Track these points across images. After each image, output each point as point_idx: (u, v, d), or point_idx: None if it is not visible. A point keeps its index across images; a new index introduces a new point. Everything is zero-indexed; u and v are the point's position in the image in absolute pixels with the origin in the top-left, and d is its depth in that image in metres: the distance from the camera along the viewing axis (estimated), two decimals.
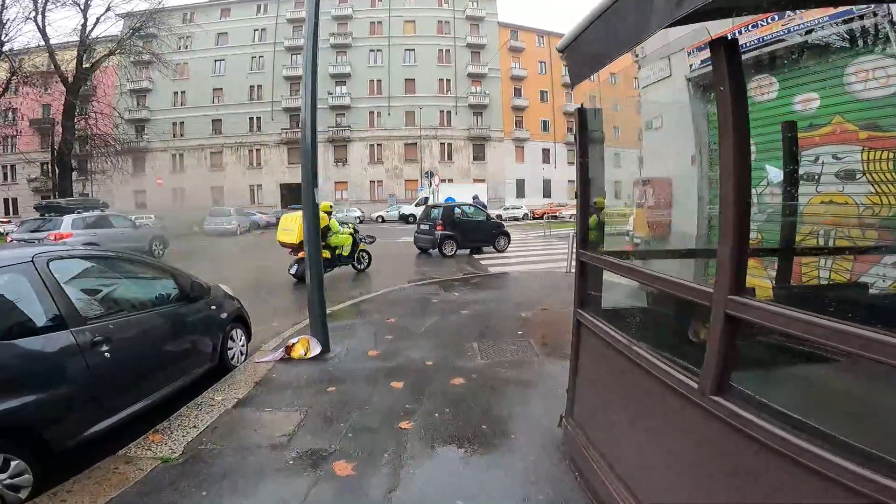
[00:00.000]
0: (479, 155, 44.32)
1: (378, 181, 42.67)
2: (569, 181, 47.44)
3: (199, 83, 42.56)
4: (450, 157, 43.61)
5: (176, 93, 42.99)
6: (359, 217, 34.95)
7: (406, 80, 43.37)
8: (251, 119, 42.84)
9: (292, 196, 40.43)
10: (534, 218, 35.57)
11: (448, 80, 43.87)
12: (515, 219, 35.99)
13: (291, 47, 42.88)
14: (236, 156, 42.70)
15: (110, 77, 33.22)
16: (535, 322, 5.88)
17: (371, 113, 43.21)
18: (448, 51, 44.12)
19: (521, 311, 6.35)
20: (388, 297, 7.66)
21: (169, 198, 41.46)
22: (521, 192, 44.96)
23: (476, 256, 13.01)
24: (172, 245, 16.31)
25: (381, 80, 43.35)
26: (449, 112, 43.90)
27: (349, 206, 36.55)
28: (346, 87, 43.05)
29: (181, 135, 43.06)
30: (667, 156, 6.66)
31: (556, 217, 26.56)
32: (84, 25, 24.21)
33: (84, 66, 24.72)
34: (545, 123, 46.94)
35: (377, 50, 43.67)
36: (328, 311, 6.65)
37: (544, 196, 45.42)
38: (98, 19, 24.56)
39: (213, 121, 42.71)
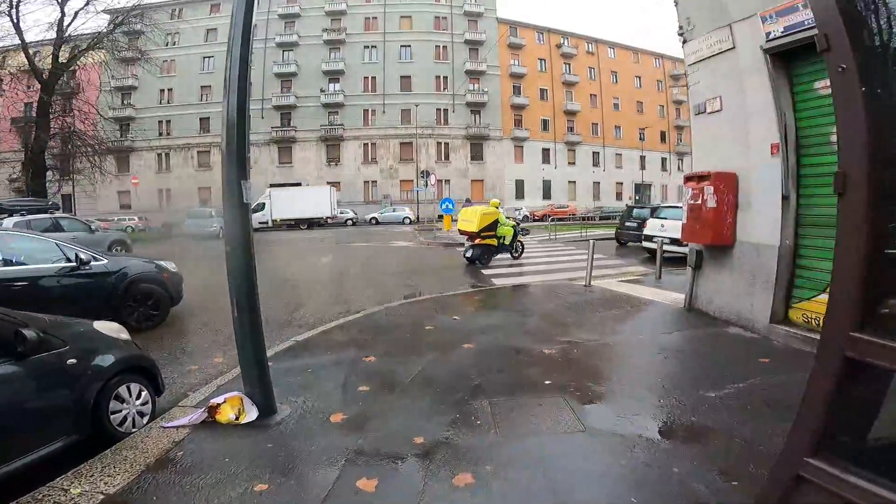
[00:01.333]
0: (476, 154, 42.85)
1: (372, 181, 41.12)
2: (569, 182, 46.12)
3: (186, 80, 40.98)
4: (447, 157, 42.12)
5: (162, 90, 41.45)
6: (351, 219, 33.44)
7: (402, 76, 41.92)
8: None
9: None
10: (534, 220, 34.11)
11: (445, 77, 42.44)
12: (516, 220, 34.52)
13: (283, 44, 41.42)
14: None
15: (92, 74, 31.76)
16: (564, 363, 4.38)
17: (365, 111, 41.73)
18: (445, 47, 42.70)
19: (541, 345, 4.84)
20: (372, 320, 6.14)
21: (155, 199, 39.92)
22: (520, 193, 43.52)
23: (478, 264, 11.49)
24: (141, 249, 14.75)
25: (375, 77, 41.88)
26: (446, 110, 42.46)
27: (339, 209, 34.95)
28: (340, 84, 41.54)
29: (167, 133, 41.44)
30: (729, 144, 5.17)
31: (562, 219, 25.19)
32: (61, 20, 22.81)
33: (60, 62, 23.30)
34: (545, 122, 45.54)
35: (372, 46, 42.19)
36: (289, 342, 5.18)
37: (544, 197, 44.01)
38: (76, 13, 23.17)
39: (200, 119, 41.09)
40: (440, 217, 24.81)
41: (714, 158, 5.36)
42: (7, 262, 5.01)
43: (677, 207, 12.79)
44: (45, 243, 5.43)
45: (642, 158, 48.34)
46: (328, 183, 37.41)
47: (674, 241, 11.70)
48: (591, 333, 5.27)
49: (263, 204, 30.04)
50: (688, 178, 5.46)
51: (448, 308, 6.74)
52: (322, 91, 41.07)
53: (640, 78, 50.46)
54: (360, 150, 41.32)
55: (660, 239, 9.31)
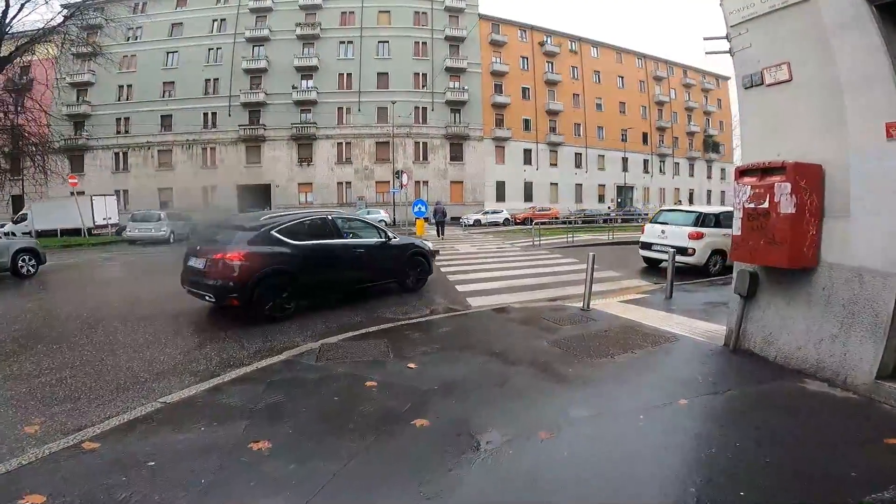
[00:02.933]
0: (456, 155, 41.22)
1: (346, 182, 39.10)
2: (551, 183, 44.87)
3: (147, 76, 38.49)
4: (425, 157, 40.38)
5: (121, 86, 38.92)
6: None
7: (379, 73, 40.09)
8: (206, 115, 38.81)
9: (252, 198, 36.62)
10: (516, 223, 32.60)
11: (424, 75, 40.78)
12: (496, 224, 32.95)
13: (253, 38, 39.24)
14: (188, 154, 38.57)
15: (41, 70, 29.27)
16: (573, 476, 2.66)
17: (340, 109, 39.79)
18: (425, 43, 41.05)
19: (532, 428, 3.12)
20: (294, 368, 4.35)
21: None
22: (501, 195, 42.05)
23: (453, 279, 9.76)
24: (57, 260, 12.66)
25: (351, 74, 39.97)
26: (424, 108, 40.78)
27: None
28: (313, 80, 39.50)
29: (126, 131, 38.76)
30: (806, 126, 3.53)
31: (544, 223, 23.67)
32: (6, 11, 20.49)
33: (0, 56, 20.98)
34: (527, 122, 44.21)
35: (348, 42, 40.29)
36: (149, 406, 3.36)
37: (525, 199, 42.63)
38: (22, 5, 20.87)
39: (162, 116, 38.57)
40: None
41: (779, 145, 3.73)
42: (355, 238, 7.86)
43: (679, 211, 11.28)
44: (371, 228, 8.41)
45: (625, 160, 47.39)
46: (300, 184, 35.36)
47: (676, 250, 10.21)
48: (606, 401, 3.58)
49: (26, 215, 27.04)
50: (743, 172, 3.82)
51: (404, 347, 4.98)
52: (294, 88, 38.99)
53: (622, 78, 49.54)
54: (334, 150, 39.29)
55: (671, 250, 7.69)
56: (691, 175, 54.72)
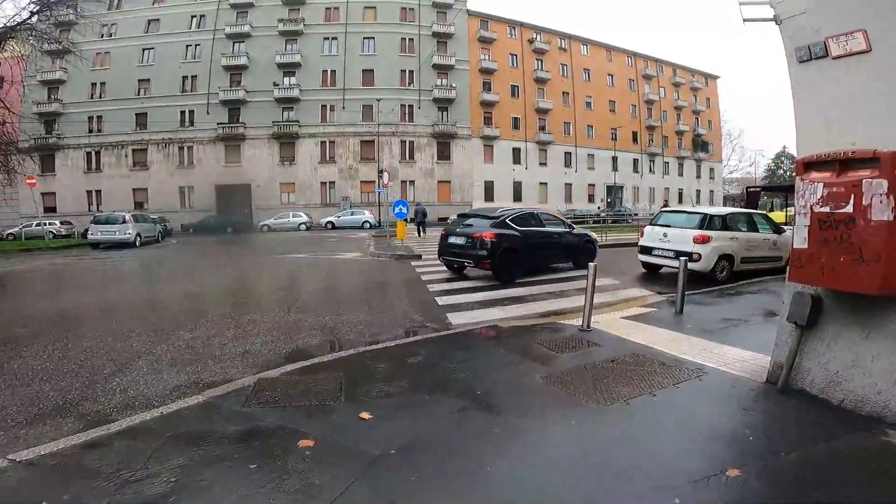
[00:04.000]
0: (443, 154, 40.18)
1: (330, 182, 37.83)
2: (540, 183, 44.08)
3: (121, 73, 36.92)
4: (411, 156, 39.28)
5: (94, 84, 37.24)
6: (305, 223, 30.21)
7: (364, 70, 38.91)
8: (183, 113, 37.30)
9: (230, 199, 35.36)
10: None
11: (411, 72, 39.68)
12: None
13: (234, 34, 37.84)
14: (164, 153, 37.03)
15: (7, 67, 27.75)
16: None
17: (323, 107, 38.54)
18: (412, 40, 39.96)
19: None
20: (201, 424, 3.28)
21: (84, 201, 35.76)
22: (489, 195, 41.09)
23: (433, 289, 8.73)
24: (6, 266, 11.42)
25: (335, 71, 38.75)
26: (411, 106, 39.71)
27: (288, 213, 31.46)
28: (296, 77, 38.20)
29: (99, 130, 37.13)
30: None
31: None
32: None
33: None
34: (516, 121, 43.32)
35: (332, 38, 39.07)
36: None
37: (514, 199, 41.71)
38: None
39: (136, 114, 36.99)
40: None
41: (852, 131, 2.77)
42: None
43: (682, 212, 10.34)
44: (559, 223, 11.07)
45: (614, 159, 46.74)
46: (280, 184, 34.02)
47: (679, 256, 9.28)
48: (623, 478, 2.59)
49: None
50: (810, 165, 2.85)
51: (362, 384, 3.96)
52: (276, 85, 37.65)
53: (612, 76, 48.89)
54: (317, 149, 38.01)
55: (682, 259, 6.70)
56: (680, 175, 54.28)
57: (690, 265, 8.98)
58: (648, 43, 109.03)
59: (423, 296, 8.17)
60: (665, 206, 24.71)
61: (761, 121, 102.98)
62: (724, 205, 52.83)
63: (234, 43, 38.09)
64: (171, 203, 35.65)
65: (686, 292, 6.52)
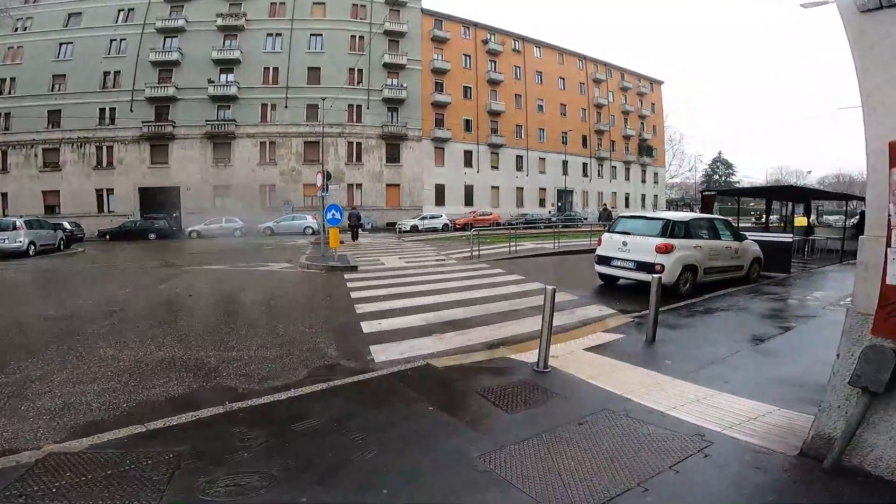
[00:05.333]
0: (393, 156, 38.67)
1: (270, 185, 35.38)
2: (492, 187, 43.45)
3: (34, 69, 33.30)
4: (359, 158, 37.52)
5: (3, 79, 33.32)
6: (240, 229, 27.87)
7: (310, 68, 36.78)
8: (102, 110, 33.84)
9: (156, 202, 32.37)
10: (456, 228, 30.57)
11: (360, 71, 37.91)
12: (434, 230, 30.77)
13: (166, 29, 34.93)
14: (79, 154, 33.42)
15: None
16: None
17: (264, 105, 36.14)
18: (362, 38, 38.13)
19: None
20: None
21: None
22: (440, 199, 39.95)
23: (361, 310, 7.32)
24: None
25: (278, 69, 36.46)
26: (359, 106, 38.00)
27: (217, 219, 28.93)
28: (234, 74, 35.62)
29: (6, 128, 33.10)
30: None
31: (485, 228, 21.87)
32: None
33: None
34: (468, 122, 42.46)
35: (277, 34, 36.75)
36: None
37: (466, 203, 40.81)
38: None
39: (49, 112, 33.23)
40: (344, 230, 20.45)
41: None
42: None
43: (642, 218, 9.44)
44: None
45: (565, 163, 46.84)
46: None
47: (641, 267, 8.38)
48: None
49: None
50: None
51: (205, 469, 2.58)
52: (211, 82, 34.89)
53: (564, 79, 49.08)
54: (256, 150, 35.48)
55: (655, 277, 5.60)
56: (627, 179, 55.31)
57: (651, 277, 8.10)
58: (595, 47, 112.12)
59: (348, 319, 6.77)
60: (604, 211, 24.17)
61: (698, 127, 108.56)
62: (668, 209, 54.37)
63: (165, 38, 35.11)
64: (88, 207, 32.19)
65: (638, 306, 5.50)
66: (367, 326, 6.33)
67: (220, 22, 35.41)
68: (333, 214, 11.89)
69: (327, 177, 23.84)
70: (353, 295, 8.38)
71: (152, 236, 26.59)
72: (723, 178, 67.80)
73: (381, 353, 5.21)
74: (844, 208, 16.90)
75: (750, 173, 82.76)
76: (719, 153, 71.41)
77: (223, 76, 35.61)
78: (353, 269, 11.45)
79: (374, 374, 4.52)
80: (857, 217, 15.50)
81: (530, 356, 4.66)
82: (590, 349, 5.06)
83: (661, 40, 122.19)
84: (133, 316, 7.10)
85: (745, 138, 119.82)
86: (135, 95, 33.91)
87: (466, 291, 8.66)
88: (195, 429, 3.21)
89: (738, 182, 64.35)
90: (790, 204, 16.64)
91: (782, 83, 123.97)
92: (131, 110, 33.79)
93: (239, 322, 6.74)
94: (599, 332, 5.82)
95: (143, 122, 33.54)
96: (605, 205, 32.90)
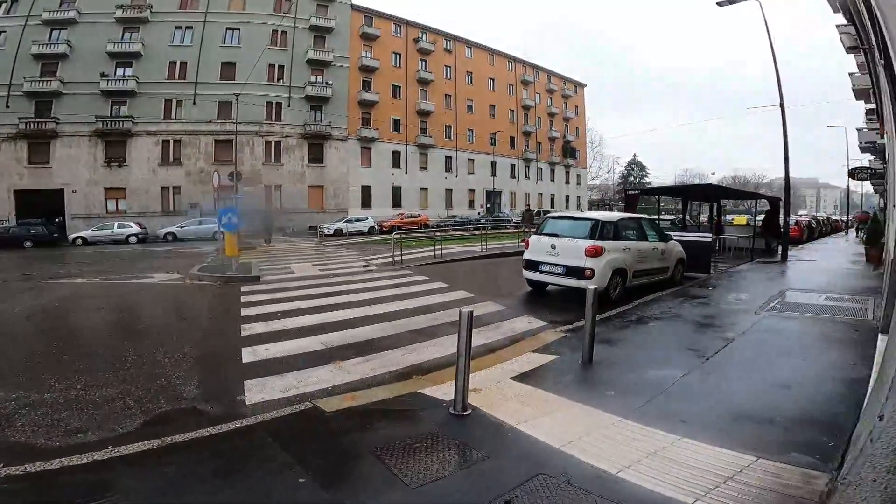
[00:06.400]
0: (316, 156, 36.62)
1: (175, 187, 32.09)
2: (421, 188, 42.63)
3: None
4: (278, 158, 35.11)
5: None
6: (136, 235, 24.80)
7: (224, 63, 33.83)
8: None
9: (36, 207, 28.16)
10: (382, 231, 29.31)
11: (281, 67, 35.67)
12: (360, 233, 29.34)
13: (53, 21, 30.74)
14: None
15: None
16: None
17: (168, 101, 32.81)
18: (285, 32, 35.80)
19: None
20: None
21: None
22: (367, 201, 38.44)
23: (249, 331, 6.02)
24: None
25: (186, 63, 33.25)
26: (280, 104, 35.67)
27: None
28: (133, 68, 31.98)
29: None
30: None
31: (412, 230, 20.71)
32: None
33: None
34: (396, 122, 41.29)
35: (186, 27, 33.53)
36: None
37: (394, 205, 39.59)
38: None
39: None
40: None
41: None
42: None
43: (571, 219, 8.86)
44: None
45: (493, 165, 47.01)
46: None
47: (570, 272, 7.77)
48: None
49: None
50: None
51: None
52: (104, 76, 31.05)
53: (494, 80, 49.28)
54: (158, 149, 32.01)
55: (591, 290, 4.79)
56: (552, 180, 56.72)
57: (583, 283, 7.49)
58: (520, 49, 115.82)
59: (226, 344, 5.50)
60: (527, 211, 24.02)
61: (614, 130, 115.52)
62: (590, 209, 56.35)
63: (52, 30, 30.77)
64: None
65: (579, 321, 4.79)
66: (249, 354, 5.11)
67: (119, 14, 31.76)
68: (229, 219, 10.32)
69: (237, 177, 21.80)
70: (245, 312, 7.03)
71: (28, 244, 22.93)
72: (637, 180, 71.66)
73: (258, 392, 4.06)
74: (754, 208, 17.73)
75: (660, 175, 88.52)
76: (634, 155, 75.47)
77: (120, 70, 31.94)
78: (255, 279, 9.97)
79: (237, 423, 3.39)
80: (764, 216, 16.21)
81: (447, 390, 3.74)
82: (519, 377, 4.22)
83: (582, 43, 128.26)
84: None
85: (657, 141, 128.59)
86: (11, 90, 29.38)
87: (382, 304, 7.60)
88: None
89: (650, 183, 68.19)
90: (713, 204, 17.16)
91: (690, 86, 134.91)
92: (7, 106, 29.20)
93: (72, 352, 5.24)
94: (529, 352, 5.02)
95: (20, 119, 29.12)
96: (527, 206, 32.65)
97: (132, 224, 25.35)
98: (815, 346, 5.10)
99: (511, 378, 4.22)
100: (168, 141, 32.29)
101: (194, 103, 33.09)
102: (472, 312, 3.42)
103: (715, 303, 7.49)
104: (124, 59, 31.93)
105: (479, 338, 5.64)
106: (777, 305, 6.96)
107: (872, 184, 32.23)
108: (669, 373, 4.21)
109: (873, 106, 26.09)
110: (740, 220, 18.19)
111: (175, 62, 33.11)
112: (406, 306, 7.48)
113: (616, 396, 3.71)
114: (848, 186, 47.15)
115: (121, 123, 31.08)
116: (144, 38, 32.23)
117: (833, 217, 43.88)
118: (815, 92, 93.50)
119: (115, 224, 25.24)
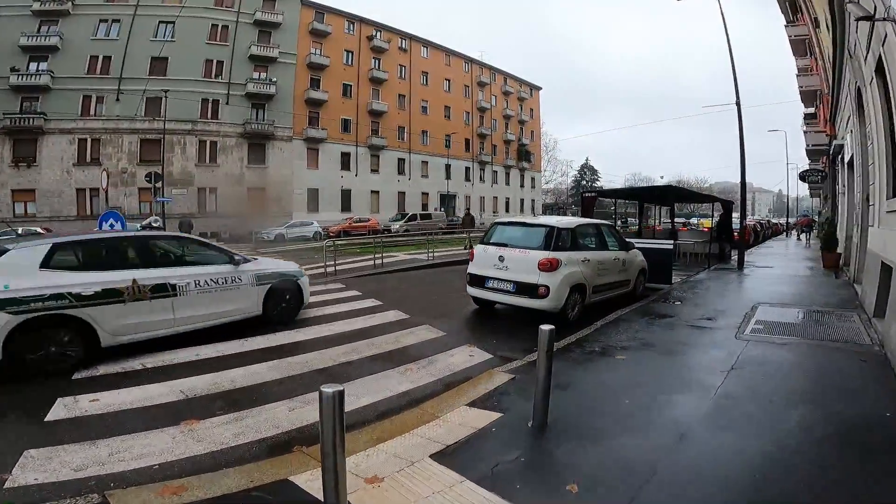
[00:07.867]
0: (257, 157, 34.34)
1: (92, 189, 29.06)
2: (372, 191, 40.99)
3: None
4: (213, 159, 32.60)
5: None
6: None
7: (154, 58, 31.17)
8: None
9: None
10: (329, 236, 27.46)
11: (220, 63, 33.38)
12: (305, 238, 27.38)
13: None
14: None
15: None
16: None
17: (87, 97, 29.94)
18: (226, 27, 33.62)
19: None
20: None
21: None
22: (313, 205, 36.41)
23: (83, 372, 4.42)
24: None
25: (110, 58, 30.48)
26: (216, 101, 33.26)
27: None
28: (48, 63, 28.94)
29: None
30: None
31: (361, 235, 19.10)
32: None
33: None
34: (346, 123, 39.49)
35: (113, 20, 30.71)
36: None
37: (343, 209, 37.76)
38: None
39: None
40: None
41: None
42: None
43: (522, 225, 7.58)
44: None
45: (448, 167, 46.00)
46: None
47: (522, 290, 6.58)
48: None
49: None
50: None
51: None
52: (14, 70, 27.75)
53: (449, 81, 48.29)
54: (74, 148, 28.91)
55: (546, 330, 3.50)
56: (507, 183, 56.32)
57: (536, 303, 6.34)
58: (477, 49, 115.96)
59: (41, 392, 3.87)
60: (467, 216, 22.79)
61: (566, 134, 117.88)
62: (544, 213, 56.31)
63: None
64: None
65: (535, 353, 3.54)
66: (62, 408, 3.60)
67: (36, 6, 28.74)
68: (111, 226, 8.52)
69: (155, 178, 19.55)
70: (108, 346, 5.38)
71: None
72: (590, 183, 72.64)
73: (36, 469, 2.62)
74: (711, 211, 17.43)
75: (612, 178, 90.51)
76: (587, 159, 76.44)
77: (34, 64, 28.88)
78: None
79: None
80: (717, 219, 15.86)
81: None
82: (442, 455, 2.92)
83: (538, 46, 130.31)
84: None
85: (607, 147, 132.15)
86: None
87: (288, 332, 6.11)
88: None
89: (602, 186, 69.29)
90: (671, 207, 16.70)
91: (639, 92, 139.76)
92: None
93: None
94: (464, 405, 3.75)
95: None
96: (467, 210, 31.30)
97: (40, 230, 22.34)
98: (826, 389, 4.01)
99: (432, 456, 2.92)
100: (85, 139, 29.24)
101: (118, 99, 30.29)
102: (342, 392, 2.07)
103: (686, 322, 6.48)
104: (39, 52, 28.99)
105: (404, 383, 4.33)
106: (757, 327, 6.02)
107: (811, 188, 33.49)
108: (654, 443, 3.03)
109: (812, 110, 26.94)
110: (707, 223, 17.87)
111: (97, 56, 30.34)
112: (319, 333, 6.04)
113: (581, 497, 2.47)
114: (788, 191, 49.50)
115: (31, 120, 27.84)
116: (63, 32, 29.30)
117: (773, 220, 45.58)
118: (751, 99, 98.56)
119: (19, 230, 22.19)
